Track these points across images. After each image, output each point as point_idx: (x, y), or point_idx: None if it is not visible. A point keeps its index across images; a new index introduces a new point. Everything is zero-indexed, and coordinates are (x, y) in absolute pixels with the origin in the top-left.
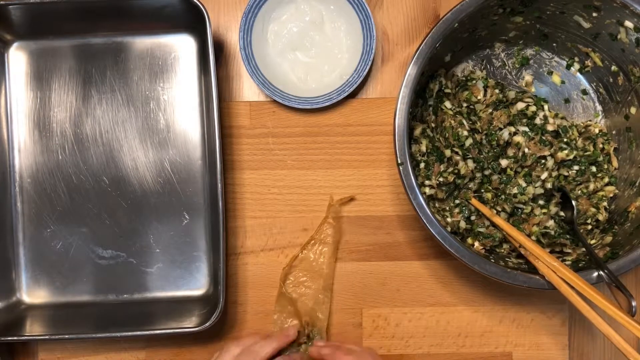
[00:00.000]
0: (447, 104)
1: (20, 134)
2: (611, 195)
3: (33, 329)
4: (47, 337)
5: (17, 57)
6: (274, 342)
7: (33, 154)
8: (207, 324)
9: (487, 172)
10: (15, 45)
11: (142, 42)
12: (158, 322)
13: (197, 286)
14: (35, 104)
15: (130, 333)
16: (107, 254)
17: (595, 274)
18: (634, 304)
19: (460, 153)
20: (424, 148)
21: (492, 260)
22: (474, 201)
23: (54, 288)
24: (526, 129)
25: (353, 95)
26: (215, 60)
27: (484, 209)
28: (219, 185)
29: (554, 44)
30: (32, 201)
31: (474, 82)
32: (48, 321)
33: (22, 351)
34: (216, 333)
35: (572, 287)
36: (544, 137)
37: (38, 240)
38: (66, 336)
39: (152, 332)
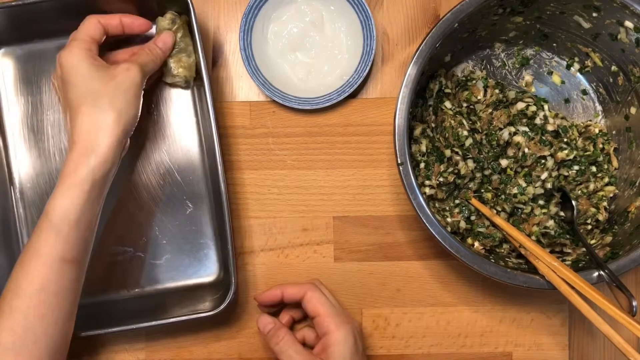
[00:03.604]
0: (447, 104)
1: (15, 140)
2: (611, 195)
3: None
4: None
5: (4, 64)
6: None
7: (30, 158)
8: (222, 306)
9: (487, 172)
10: (0, 52)
11: None
12: (171, 312)
13: (207, 273)
14: (28, 109)
15: (145, 324)
16: (114, 251)
17: (596, 274)
18: (634, 303)
19: (460, 153)
20: (424, 148)
21: (492, 260)
22: (474, 201)
23: None
24: (526, 129)
25: (353, 95)
26: (202, 43)
27: (484, 209)
28: (220, 167)
29: (554, 44)
30: (33, 206)
31: (474, 82)
32: None
33: None
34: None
35: (572, 287)
36: (544, 137)
37: None
38: (82, 334)
39: (166, 320)
